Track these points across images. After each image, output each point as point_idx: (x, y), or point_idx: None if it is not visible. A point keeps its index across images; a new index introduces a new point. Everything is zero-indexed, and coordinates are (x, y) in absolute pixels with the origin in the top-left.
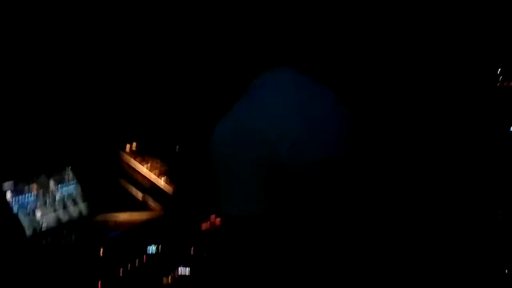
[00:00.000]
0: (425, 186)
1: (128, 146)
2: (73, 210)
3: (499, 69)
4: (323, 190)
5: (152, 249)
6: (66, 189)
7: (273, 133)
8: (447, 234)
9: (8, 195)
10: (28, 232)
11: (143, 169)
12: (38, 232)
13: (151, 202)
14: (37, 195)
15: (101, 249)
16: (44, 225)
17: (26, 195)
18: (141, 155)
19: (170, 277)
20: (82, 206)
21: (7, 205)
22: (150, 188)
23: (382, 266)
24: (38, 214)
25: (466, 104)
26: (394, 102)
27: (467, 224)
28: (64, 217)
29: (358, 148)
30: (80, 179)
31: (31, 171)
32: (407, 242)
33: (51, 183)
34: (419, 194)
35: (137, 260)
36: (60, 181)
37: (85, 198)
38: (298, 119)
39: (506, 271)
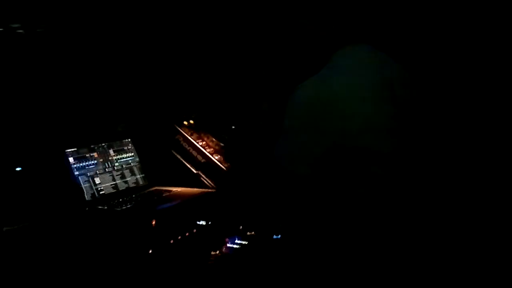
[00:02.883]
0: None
1: (185, 121)
2: (130, 179)
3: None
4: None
5: (202, 223)
6: (125, 160)
7: (347, 106)
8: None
9: (71, 160)
10: (87, 196)
11: (199, 146)
12: (96, 197)
13: (205, 178)
14: (97, 163)
15: (154, 219)
16: (102, 191)
17: (88, 161)
18: (198, 131)
19: (218, 251)
20: (139, 176)
21: (69, 169)
22: (204, 164)
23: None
24: (97, 180)
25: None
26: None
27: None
28: (121, 186)
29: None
30: (139, 151)
31: (93, 139)
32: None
33: (111, 153)
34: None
35: (187, 232)
36: (120, 152)
37: (142, 169)
38: (374, 93)
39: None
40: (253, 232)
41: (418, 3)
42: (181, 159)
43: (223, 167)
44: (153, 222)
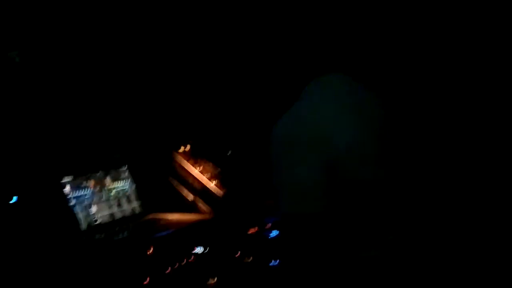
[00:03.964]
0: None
1: (182, 148)
2: (127, 208)
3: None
4: (377, 191)
5: (200, 250)
6: (122, 187)
7: (332, 130)
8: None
9: (67, 188)
10: (83, 225)
11: (195, 171)
12: (92, 226)
13: (201, 204)
14: (94, 191)
15: (151, 247)
16: (99, 220)
17: (84, 190)
18: (194, 157)
19: (216, 278)
20: (135, 204)
21: (65, 199)
22: (201, 190)
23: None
24: (94, 209)
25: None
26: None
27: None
28: (117, 214)
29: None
30: (135, 178)
31: (90, 167)
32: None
33: (108, 180)
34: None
35: (184, 260)
36: (116, 179)
37: (138, 196)
38: (354, 119)
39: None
40: (250, 259)
41: (391, 33)
42: (178, 185)
43: (220, 193)
44: (150, 251)
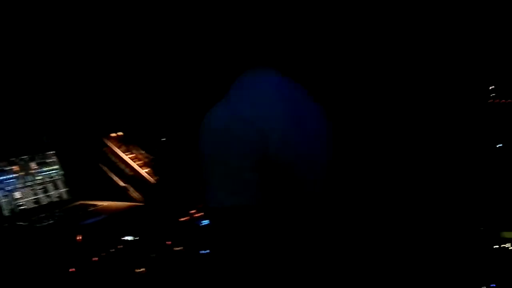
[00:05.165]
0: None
1: (113, 134)
2: (53, 194)
3: (491, 87)
4: (309, 184)
5: (129, 237)
6: (48, 173)
7: (263, 124)
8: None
9: None
10: (5, 211)
11: (127, 158)
12: (16, 212)
13: (133, 192)
14: (18, 176)
15: (77, 234)
16: (22, 206)
17: (6, 175)
18: (126, 144)
19: (145, 267)
20: (62, 191)
21: None
22: (133, 178)
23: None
24: (17, 194)
25: (453, 115)
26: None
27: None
28: (44, 200)
29: (337, 146)
30: (63, 164)
31: (13, 151)
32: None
33: (33, 166)
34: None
35: (112, 248)
36: (42, 164)
37: (66, 182)
38: (286, 114)
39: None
40: (181, 247)
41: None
42: (108, 172)
43: (151, 180)
44: (77, 239)
